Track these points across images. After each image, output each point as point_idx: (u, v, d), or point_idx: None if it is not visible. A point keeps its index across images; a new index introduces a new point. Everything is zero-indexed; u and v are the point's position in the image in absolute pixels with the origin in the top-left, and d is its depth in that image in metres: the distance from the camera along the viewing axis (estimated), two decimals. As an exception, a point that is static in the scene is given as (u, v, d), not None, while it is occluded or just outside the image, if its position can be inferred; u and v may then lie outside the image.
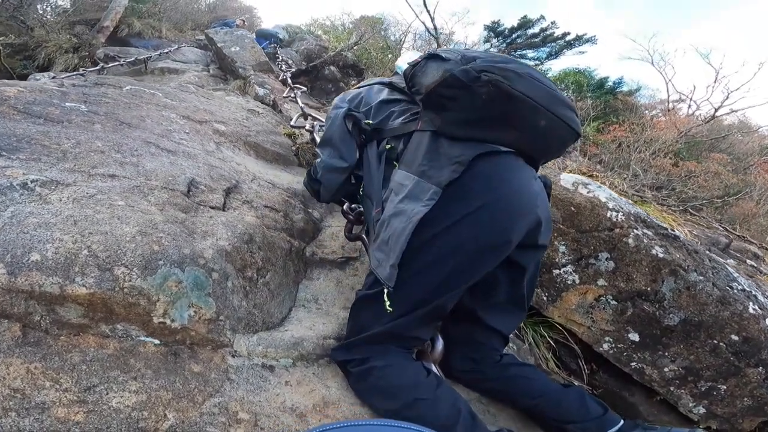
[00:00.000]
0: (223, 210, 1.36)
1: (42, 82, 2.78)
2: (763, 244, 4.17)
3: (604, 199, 1.52)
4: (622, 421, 1.09)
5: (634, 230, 1.46)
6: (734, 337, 1.42)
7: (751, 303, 1.44)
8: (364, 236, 1.41)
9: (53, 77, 3.81)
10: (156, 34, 7.80)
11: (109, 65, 4.80)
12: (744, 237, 4.35)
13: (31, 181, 1.04)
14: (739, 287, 1.47)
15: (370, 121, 1.28)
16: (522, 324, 1.72)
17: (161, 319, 0.92)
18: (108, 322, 0.90)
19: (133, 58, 5.33)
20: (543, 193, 1.11)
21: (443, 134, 1.07)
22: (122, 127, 1.68)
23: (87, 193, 1.08)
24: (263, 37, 6.59)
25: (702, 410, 1.49)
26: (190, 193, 1.33)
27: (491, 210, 0.98)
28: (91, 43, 6.08)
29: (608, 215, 1.49)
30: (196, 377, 0.92)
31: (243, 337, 1.05)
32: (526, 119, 1.00)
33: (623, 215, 1.48)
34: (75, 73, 4.04)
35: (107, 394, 0.81)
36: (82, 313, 0.88)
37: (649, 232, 1.47)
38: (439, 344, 1.21)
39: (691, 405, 1.50)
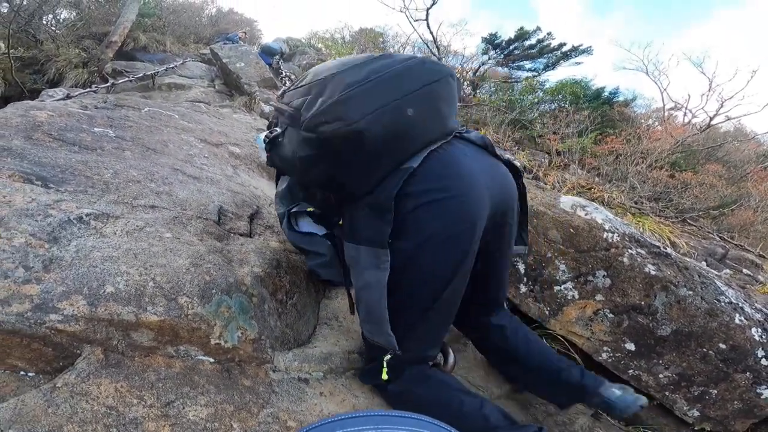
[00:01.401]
0: (250, 236, 1.48)
1: (60, 100, 2.89)
2: (761, 253, 4.25)
3: (600, 221, 1.64)
4: None
5: (629, 250, 1.57)
6: (722, 346, 1.52)
7: (737, 314, 1.55)
8: None
9: (68, 95, 3.94)
10: (161, 48, 7.94)
11: (119, 81, 4.94)
12: (741, 246, 4.43)
13: (86, 215, 1.14)
14: (726, 300, 1.57)
15: None
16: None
17: (217, 341, 1.03)
18: (173, 345, 1.01)
19: (140, 74, 5.46)
20: (498, 176, 1.11)
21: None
22: (149, 153, 1.80)
23: (136, 226, 1.19)
24: (269, 54, 6.61)
25: (696, 413, 1.57)
26: (221, 221, 1.44)
27: (443, 227, 0.98)
28: (100, 57, 6.21)
29: (605, 236, 1.61)
30: (249, 390, 1.03)
31: (280, 353, 1.17)
32: (398, 108, 0.94)
33: (618, 236, 1.60)
34: (87, 90, 4.17)
35: (183, 408, 0.92)
36: (153, 337, 0.98)
37: (643, 251, 1.58)
38: (451, 357, 1.35)
39: (685, 408, 1.58)
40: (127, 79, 5.04)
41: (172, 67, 5.83)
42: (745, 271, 3.45)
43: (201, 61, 6.97)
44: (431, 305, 1.04)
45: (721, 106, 9.15)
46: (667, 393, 1.60)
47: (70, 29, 6.86)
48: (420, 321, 1.06)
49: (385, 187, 0.97)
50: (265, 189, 2.02)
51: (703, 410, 1.57)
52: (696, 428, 1.60)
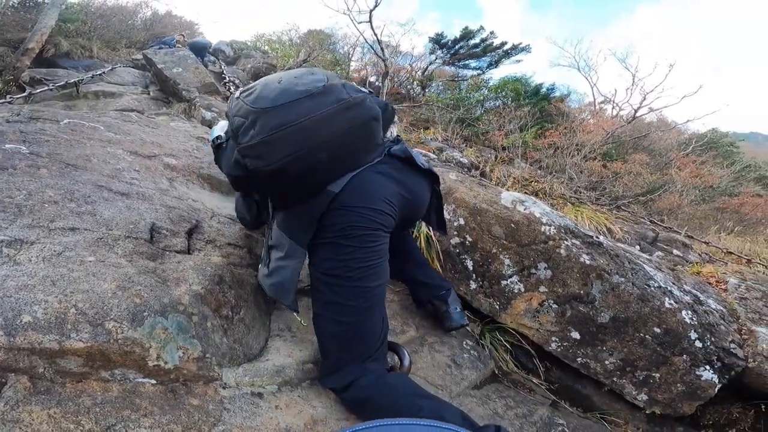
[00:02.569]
0: (189, 253, 1.39)
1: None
2: (689, 234, 4.63)
3: (538, 215, 1.71)
4: None
5: (565, 241, 1.66)
6: (656, 330, 1.60)
7: (667, 298, 1.64)
8: None
9: (-25, 107, 3.52)
10: (86, 54, 7.38)
11: (37, 90, 4.50)
12: (670, 228, 4.80)
13: None
14: (656, 284, 1.68)
15: None
16: (480, 331, 1.88)
17: (155, 362, 1.01)
18: (107, 369, 0.98)
19: (62, 81, 5.01)
20: (411, 184, 1.35)
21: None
22: (69, 169, 1.64)
23: (54, 251, 1.11)
24: (195, 50, 6.29)
25: (644, 397, 1.64)
26: (154, 239, 1.35)
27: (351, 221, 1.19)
28: (16, 66, 5.65)
29: (543, 229, 1.69)
30: (197, 409, 1.01)
31: (229, 370, 1.14)
32: (312, 153, 1.13)
33: (555, 228, 1.68)
34: (2, 101, 3.75)
35: (126, 431, 0.89)
36: (82, 363, 0.95)
37: (577, 242, 1.68)
38: (406, 359, 1.36)
39: (634, 393, 1.65)
40: (46, 87, 4.60)
41: (99, 74, 5.42)
42: (675, 252, 3.71)
43: (134, 67, 6.55)
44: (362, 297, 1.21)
45: (644, 98, 9.96)
46: (615, 379, 1.67)
47: (-19, 37, 6.18)
48: (357, 316, 1.20)
49: (312, 205, 1.19)
50: (206, 201, 1.91)
51: (650, 394, 1.63)
52: (647, 412, 1.66)
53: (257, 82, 1.26)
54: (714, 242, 4.48)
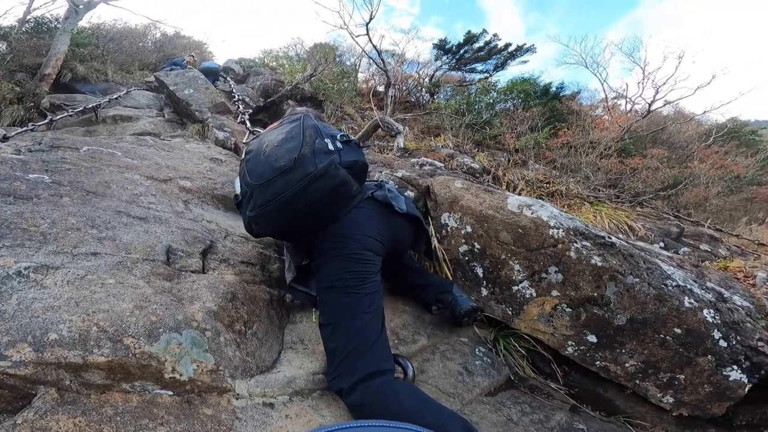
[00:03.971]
0: (203, 272, 1.45)
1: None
2: (717, 227, 4.43)
3: (546, 218, 1.70)
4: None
5: (574, 244, 1.64)
6: (677, 330, 1.55)
7: (686, 297, 1.59)
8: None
9: (4, 135, 3.70)
10: (102, 78, 7.63)
11: (58, 117, 4.66)
12: (698, 222, 4.62)
13: (25, 269, 1.15)
14: (674, 284, 1.62)
15: None
16: (494, 338, 1.87)
17: (171, 375, 1.07)
18: (127, 381, 1.05)
19: (81, 107, 5.19)
20: (390, 224, 1.58)
21: None
22: (89, 197, 1.72)
23: (77, 275, 1.19)
24: (206, 75, 6.45)
25: (671, 399, 1.59)
26: (170, 260, 1.41)
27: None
28: (35, 92, 5.89)
29: (551, 233, 1.67)
30: (211, 419, 1.06)
31: (242, 381, 1.19)
32: (295, 220, 1.42)
33: (563, 231, 1.67)
34: (24, 129, 3.93)
35: None
36: (104, 375, 1.02)
37: (588, 243, 1.66)
38: (410, 370, 1.39)
39: (659, 395, 1.60)
40: (66, 113, 4.78)
41: (116, 98, 5.60)
42: (703, 246, 3.54)
43: (147, 90, 6.76)
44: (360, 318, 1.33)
45: (657, 92, 9.76)
46: (637, 381, 1.62)
47: (0, 63, 6.47)
48: (358, 334, 1.29)
49: (306, 242, 1.50)
50: (220, 221, 1.97)
51: (676, 396, 1.58)
52: (674, 414, 1.61)
53: (254, 143, 1.51)
54: (744, 234, 4.30)
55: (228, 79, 7.40)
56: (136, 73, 8.98)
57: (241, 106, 4.81)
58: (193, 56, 9.27)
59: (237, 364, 1.21)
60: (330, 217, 1.44)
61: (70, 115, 4.75)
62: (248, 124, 3.98)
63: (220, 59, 11.53)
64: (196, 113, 4.69)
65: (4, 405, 0.96)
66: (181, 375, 1.08)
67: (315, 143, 1.38)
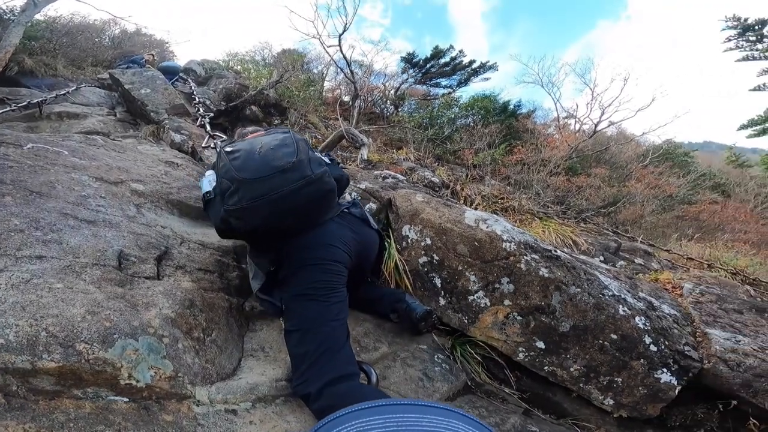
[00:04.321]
0: (158, 278, 1.41)
1: None
2: (650, 242, 4.83)
3: (499, 232, 1.81)
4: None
5: (525, 256, 1.75)
6: (613, 336, 1.69)
7: (620, 306, 1.74)
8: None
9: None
10: (50, 72, 7.17)
11: (0, 111, 4.33)
12: (632, 238, 5.02)
13: None
14: (610, 293, 1.78)
15: None
16: (451, 345, 1.93)
17: (127, 381, 1.04)
18: (78, 387, 1.00)
19: (25, 102, 4.84)
20: (362, 237, 1.66)
21: None
22: (33, 197, 1.61)
23: (22, 278, 1.12)
24: (165, 74, 6.27)
25: (611, 401, 1.70)
26: (122, 266, 1.36)
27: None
28: (-23, 85, 5.42)
29: (503, 246, 1.78)
30: (171, 425, 1.03)
31: (202, 388, 1.17)
32: (281, 218, 1.45)
33: (515, 245, 1.78)
34: (-42, 123, 3.60)
35: None
36: (54, 381, 0.98)
37: (536, 256, 1.78)
38: (373, 376, 1.42)
39: (600, 398, 1.71)
40: (9, 108, 4.43)
41: (63, 94, 5.26)
42: (637, 260, 3.85)
43: (99, 87, 6.39)
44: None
45: (603, 113, 10.52)
46: (581, 385, 1.74)
47: (-61, 54, 5.89)
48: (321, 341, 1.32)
49: (278, 249, 1.51)
50: (175, 227, 1.91)
51: (615, 398, 1.70)
52: (615, 415, 1.72)
53: (241, 145, 1.55)
54: (675, 249, 4.70)
55: (189, 80, 7.15)
56: (88, 69, 8.47)
57: (201, 109, 4.66)
58: (152, 55, 8.88)
59: (197, 371, 1.19)
60: (311, 221, 1.51)
61: (13, 110, 4.41)
62: (208, 127, 3.86)
63: (182, 60, 11.11)
64: (152, 114, 4.50)
65: (-55, 411, 0.89)
66: (138, 381, 1.05)
67: (309, 153, 1.50)
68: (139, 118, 4.83)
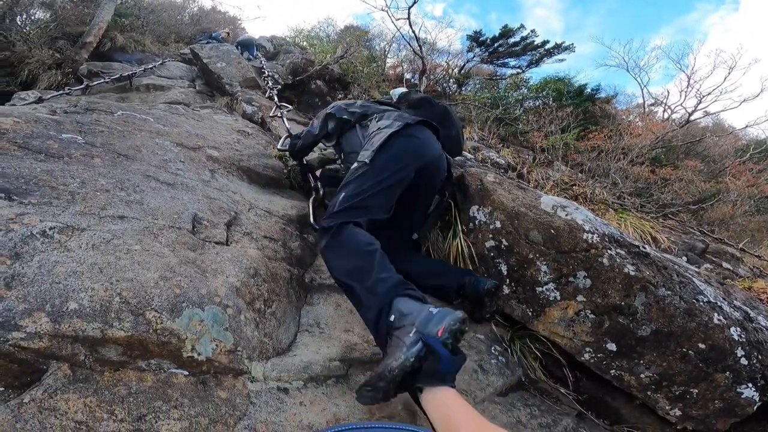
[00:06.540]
0: (227, 244, 1.44)
1: (30, 106, 2.78)
2: (741, 246, 4.30)
3: (580, 222, 1.64)
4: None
5: (608, 250, 1.57)
6: (701, 346, 1.52)
7: (716, 314, 1.55)
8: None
9: (39, 97, 3.80)
10: (139, 48, 7.75)
11: (94, 83, 4.77)
12: (721, 240, 4.49)
13: (50, 229, 1.10)
14: (705, 299, 1.58)
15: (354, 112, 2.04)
16: (510, 337, 1.83)
17: (190, 354, 1.03)
18: (144, 359, 1.00)
19: (117, 75, 5.29)
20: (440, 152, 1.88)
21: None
22: (120, 159, 1.73)
23: (103, 238, 1.15)
24: (243, 47, 6.60)
25: (678, 412, 1.57)
26: (195, 230, 1.40)
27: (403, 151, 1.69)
28: (75, 59, 6.02)
29: (584, 237, 1.61)
30: (225, 403, 1.02)
31: (258, 363, 1.16)
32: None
33: (598, 237, 1.60)
34: (60, 92, 4.03)
35: (156, 422, 0.91)
36: (121, 351, 0.98)
37: (622, 252, 1.59)
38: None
39: (667, 408, 1.58)
40: (102, 80, 4.88)
41: (151, 68, 5.67)
42: (725, 264, 3.47)
43: (181, 62, 6.82)
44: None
45: (699, 101, 9.34)
46: (649, 393, 1.60)
47: (44, 30, 6.62)
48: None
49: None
50: (245, 193, 1.97)
51: (684, 409, 1.57)
52: (678, 427, 1.60)
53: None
54: (766, 256, 4.17)
55: (259, 55, 7.40)
56: (171, 45, 9.07)
57: (270, 82, 4.81)
58: (228, 32, 9.32)
59: (255, 345, 1.18)
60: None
61: (106, 82, 4.85)
62: (276, 99, 3.98)
63: (253, 36, 11.55)
64: (227, 86, 4.72)
65: (11, 380, 0.88)
66: (199, 354, 1.03)
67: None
68: (215, 90, 5.09)
